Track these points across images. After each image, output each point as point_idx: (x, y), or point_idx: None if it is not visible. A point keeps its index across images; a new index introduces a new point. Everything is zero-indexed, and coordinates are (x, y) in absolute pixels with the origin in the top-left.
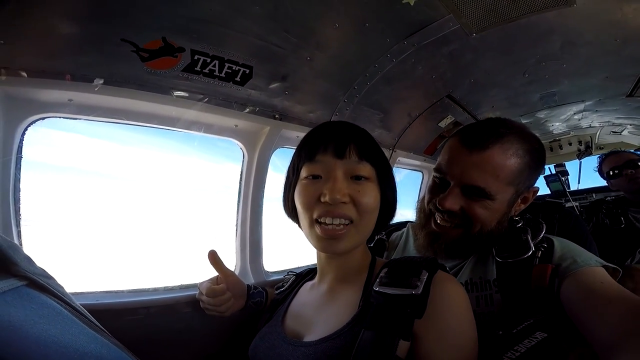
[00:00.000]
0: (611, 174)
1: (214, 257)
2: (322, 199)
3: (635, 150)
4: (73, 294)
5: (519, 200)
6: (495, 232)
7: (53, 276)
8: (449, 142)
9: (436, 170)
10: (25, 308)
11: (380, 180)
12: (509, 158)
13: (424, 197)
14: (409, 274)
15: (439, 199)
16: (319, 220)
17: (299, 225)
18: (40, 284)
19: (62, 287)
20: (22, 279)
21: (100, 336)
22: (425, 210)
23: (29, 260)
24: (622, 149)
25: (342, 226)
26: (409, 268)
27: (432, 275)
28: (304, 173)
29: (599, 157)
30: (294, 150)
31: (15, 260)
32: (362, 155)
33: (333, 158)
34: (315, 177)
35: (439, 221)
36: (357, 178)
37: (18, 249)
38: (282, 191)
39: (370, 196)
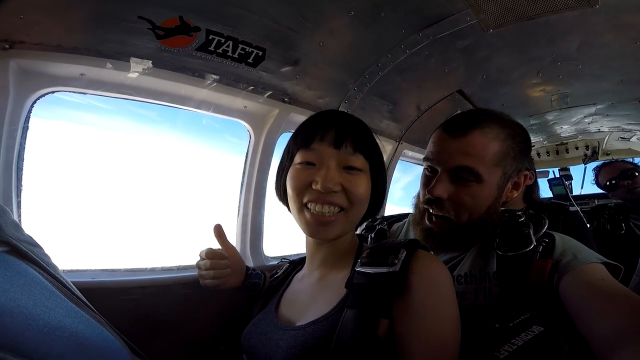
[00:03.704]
0: (609, 185)
1: (219, 231)
2: (314, 186)
3: (626, 158)
4: (69, 271)
5: (510, 186)
6: (488, 219)
7: (40, 245)
8: (435, 133)
9: (425, 159)
10: None
11: (373, 172)
12: (491, 141)
13: (419, 192)
14: (388, 254)
15: (428, 188)
16: (308, 205)
17: (289, 210)
18: (23, 252)
19: (49, 257)
20: (2, 245)
21: (81, 311)
22: (419, 207)
23: (15, 225)
24: (615, 159)
25: (331, 213)
26: (389, 249)
27: (411, 253)
28: (297, 159)
29: (593, 169)
30: None
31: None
32: (357, 147)
33: (328, 147)
34: (308, 164)
35: (432, 212)
36: (349, 169)
37: (5, 212)
38: (275, 174)
39: (361, 186)
